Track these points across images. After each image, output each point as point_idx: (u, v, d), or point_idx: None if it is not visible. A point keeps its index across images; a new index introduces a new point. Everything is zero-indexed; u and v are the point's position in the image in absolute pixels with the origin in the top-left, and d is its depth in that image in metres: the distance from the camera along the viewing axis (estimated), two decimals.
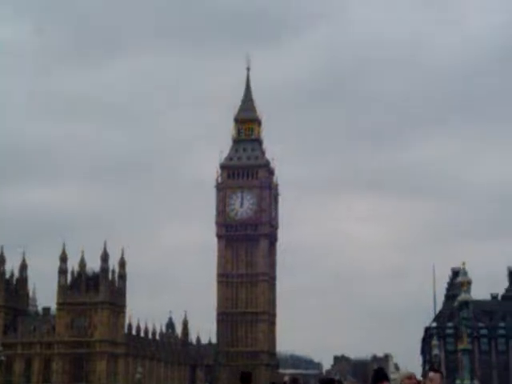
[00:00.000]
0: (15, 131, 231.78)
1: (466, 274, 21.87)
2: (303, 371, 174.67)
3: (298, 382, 12.10)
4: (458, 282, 22.15)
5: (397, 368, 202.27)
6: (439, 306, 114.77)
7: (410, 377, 9.71)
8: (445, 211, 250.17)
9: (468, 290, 21.62)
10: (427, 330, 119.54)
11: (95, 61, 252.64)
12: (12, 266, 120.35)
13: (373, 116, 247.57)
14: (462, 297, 21.21)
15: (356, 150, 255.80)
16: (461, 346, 22.93)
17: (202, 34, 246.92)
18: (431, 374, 9.46)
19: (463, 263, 21.56)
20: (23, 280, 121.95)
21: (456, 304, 22.01)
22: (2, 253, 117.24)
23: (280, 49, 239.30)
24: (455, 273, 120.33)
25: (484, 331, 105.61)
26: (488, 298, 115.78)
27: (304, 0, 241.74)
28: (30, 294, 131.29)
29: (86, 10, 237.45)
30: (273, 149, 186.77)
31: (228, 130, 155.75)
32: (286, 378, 13.03)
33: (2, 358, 41.58)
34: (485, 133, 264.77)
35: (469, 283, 21.70)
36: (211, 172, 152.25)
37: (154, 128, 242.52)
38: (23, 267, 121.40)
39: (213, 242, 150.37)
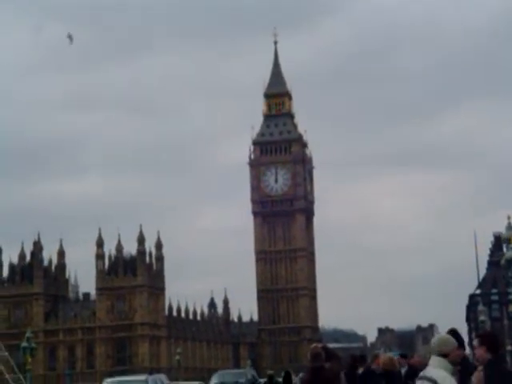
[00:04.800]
0: (45, 125, 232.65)
1: (511, 228, 19.93)
2: (347, 345, 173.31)
3: (321, 356, 10.35)
4: (504, 237, 20.23)
5: None
6: (482, 273, 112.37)
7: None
8: (477, 181, 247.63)
9: None
10: (471, 297, 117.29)
11: (121, 57, 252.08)
12: (50, 254, 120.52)
13: (402, 92, 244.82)
14: (509, 254, 19.25)
15: (385, 125, 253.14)
16: (511, 309, 21.11)
17: (227, 13, 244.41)
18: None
19: (508, 217, 19.67)
20: (61, 267, 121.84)
21: (503, 263, 20.11)
22: (39, 240, 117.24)
23: (308, 26, 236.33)
24: (497, 238, 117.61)
25: None
26: None
27: None
28: (72, 280, 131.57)
29: (114, 11, 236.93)
30: (305, 123, 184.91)
31: (259, 107, 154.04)
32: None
33: (33, 344, 40.76)
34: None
35: None
36: (244, 150, 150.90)
37: (185, 114, 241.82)
38: (61, 254, 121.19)
39: (249, 220, 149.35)
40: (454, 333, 8.70)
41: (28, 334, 40.80)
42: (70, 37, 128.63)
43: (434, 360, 7.75)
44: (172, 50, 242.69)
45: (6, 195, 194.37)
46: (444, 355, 7.71)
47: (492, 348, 8.01)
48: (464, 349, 8.42)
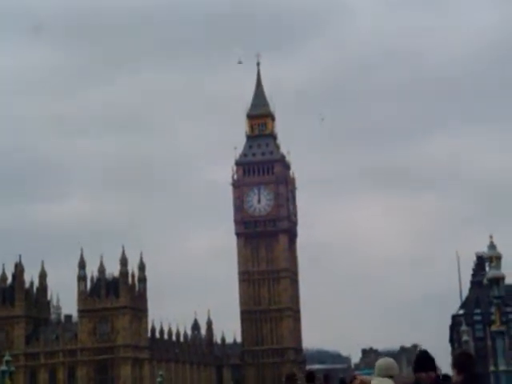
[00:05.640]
0: (28, 148, 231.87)
1: (494, 247, 19.92)
2: (331, 366, 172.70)
3: (294, 377, 10.54)
4: (486, 257, 20.26)
5: None
6: (465, 294, 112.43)
7: None
8: (459, 202, 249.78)
9: (497, 266, 19.67)
10: (454, 317, 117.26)
11: (100, 77, 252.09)
12: (31, 276, 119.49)
13: (385, 112, 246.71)
14: (492, 273, 19.28)
15: (368, 146, 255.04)
16: (493, 328, 21.04)
17: (211, 34, 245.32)
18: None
19: (490, 236, 19.67)
20: (43, 289, 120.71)
21: (485, 282, 20.07)
22: (21, 262, 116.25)
23: (290, 48, 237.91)
24: (479, 258, 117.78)
25: None
26: None
27: (312, 4, 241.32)
28: (54, 302, 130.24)
29: (99, 29, 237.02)
30: (287, 144, 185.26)
31: (242, 128, 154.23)
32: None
33: (12, 368, 40.18)
34: (489, 127, 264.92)
35: (498, 258, 19.76)
36: (227, 171, 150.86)
37: (168, 135, 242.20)
38: (43, 276, 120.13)
39: (233, 241, 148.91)
40: (425, 354, 8.50)
41: (6, 357, 40.27)
42: (321, 117, 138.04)
43: (385, 381, 7.74)
44: (155, 71, 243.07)
45: None
46: (390, 377, 7.78)
47: (462, 369, 7.86)
48: (435, 371, 8.24)
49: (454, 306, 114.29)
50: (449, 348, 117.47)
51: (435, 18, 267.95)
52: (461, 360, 8.15)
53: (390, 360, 8.39)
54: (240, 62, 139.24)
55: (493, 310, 23.86)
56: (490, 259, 19.62)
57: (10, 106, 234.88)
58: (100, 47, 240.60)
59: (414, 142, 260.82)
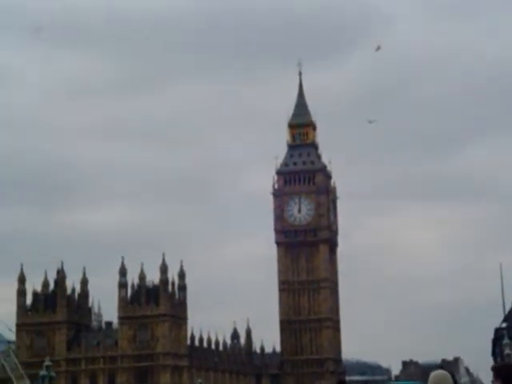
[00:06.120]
0: (70, 154, 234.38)
1: None
2: (371, 377, 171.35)
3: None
4: None
5: (467, 371, 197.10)
6: (508, 307, 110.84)
7: None
8: (499, 213, 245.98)
9: None
10: (497, 330, 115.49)
11: (147, 87, 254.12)
12: (73, 283, 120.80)
13: (428, 124, 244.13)
14: None
15: (410, 156, 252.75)
16: None
17: (253, 44, 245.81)
18: None
19: None
20: (85, 295, 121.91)
21: None
22: (63, 269, 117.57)
23: (332, 58, 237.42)
24: None
25: None
26: None
27: (354, 15, 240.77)
28: (96, 309, 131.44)
29: (141, 41, 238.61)
30: (328, 153, 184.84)
31: (283, 137, 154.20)
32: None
33: (53, 373, 40.55)
34: None
35: None
36: (268, 180, 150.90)
37: (210, 144, 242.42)
38: (84, 282, 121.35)
39: (273, 250, 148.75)
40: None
41: (46, 363, 40.62)
42: (370, 120, 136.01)
43: None
44: (197, 80, 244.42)
45: (30, 224, 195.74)
46: None
47: (507, 380, 7.93)
48: None
49: (498, 319, 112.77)
50: (491, 362, 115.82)
51: (473, 24, 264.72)
52: (505, 371, 8.38)
53: (446, 373, 9.20)
54: (378, 48, 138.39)
55: None
56: None
57: (51, 111, 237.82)
58: (143, 58, 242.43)
59: (459, 153, 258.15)
